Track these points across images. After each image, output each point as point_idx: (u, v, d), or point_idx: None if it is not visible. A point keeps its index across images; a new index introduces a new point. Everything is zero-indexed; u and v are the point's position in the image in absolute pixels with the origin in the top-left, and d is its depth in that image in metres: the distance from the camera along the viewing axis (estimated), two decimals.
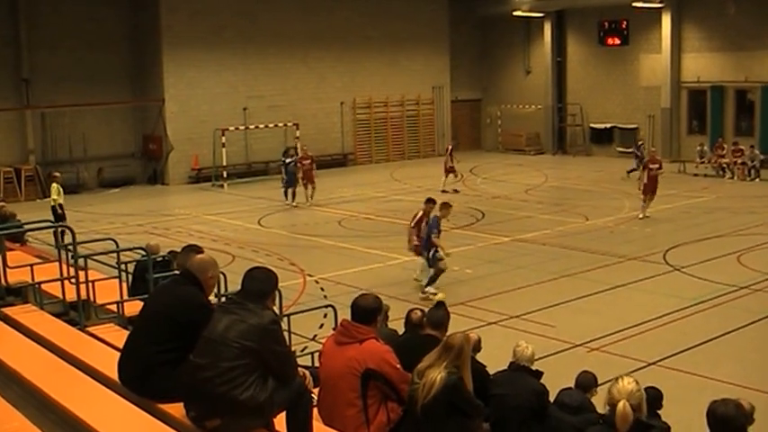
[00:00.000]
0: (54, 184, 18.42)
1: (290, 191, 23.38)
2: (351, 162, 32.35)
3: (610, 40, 32.45)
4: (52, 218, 17.31)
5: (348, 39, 31.60)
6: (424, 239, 14.10)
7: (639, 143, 27.42)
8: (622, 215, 20.99)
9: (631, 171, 25.85)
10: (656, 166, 20.38)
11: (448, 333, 6.12)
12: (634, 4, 29.75)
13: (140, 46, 28.33)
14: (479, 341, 7.07)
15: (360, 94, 32.45)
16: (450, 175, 24.89)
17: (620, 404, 4.49)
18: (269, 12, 29.57)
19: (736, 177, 26.51)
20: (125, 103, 28.27)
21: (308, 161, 23.47)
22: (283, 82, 30.33)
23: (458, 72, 35.32)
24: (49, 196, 18.86)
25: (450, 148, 25.83)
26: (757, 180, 25.98)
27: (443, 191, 23.91)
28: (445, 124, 35.11)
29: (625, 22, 31.78)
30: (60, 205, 18.18)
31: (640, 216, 20.21)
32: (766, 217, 20.21)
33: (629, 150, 31.84)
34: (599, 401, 6.70)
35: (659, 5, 29.76)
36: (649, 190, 20.22)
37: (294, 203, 23.19)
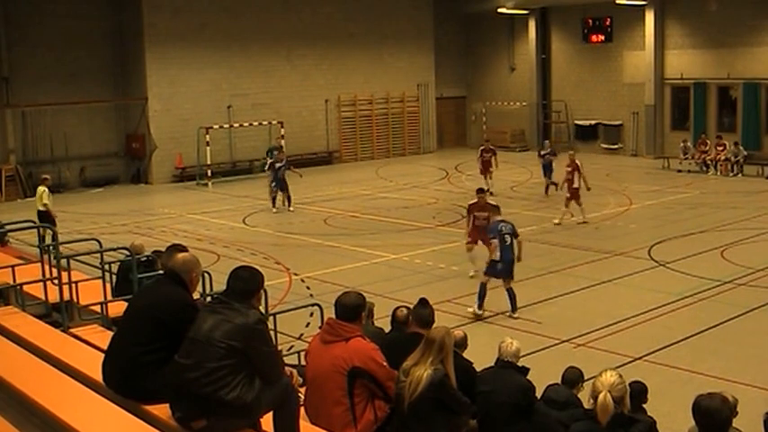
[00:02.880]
0: (40, 187, 18.01)
1: (281, 195, 21.99)
2: (336, 160, 32.29)
3: (594, 37, 32.56)
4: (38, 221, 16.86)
5: (332, 36, 31.54)
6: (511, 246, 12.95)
7: (547, 152, 23.59)
8: (607, 211, 21.07)
9: (554, 184, 22.80)
10: (569, 169, 19.16)
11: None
12: (617, 2, 29.85)
13: (123, 44, 28.15)
14: (465, 338, 7.06)
15: (344, 91, 32.40)
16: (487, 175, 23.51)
17: (601, 395, 4.51)
18: (252, 9, 29.47)
19: (719, 173, 26.69)
20: (107, 101, 28.07)
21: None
22: (267, 80, 30.23)
23: (442, 69, 35.34)
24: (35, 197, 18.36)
25: (482, 148, 24.09)
26: (740, 176, 26.18)
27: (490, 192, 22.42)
28: (430, 122, 35.12)
29: (609, 20, 31.90)
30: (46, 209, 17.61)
31: (555, 221, 19.26)
32: (749, 212, 20.37)
33: (615, 147, 32.05)
34: (585, 397, 6.72)
35: (642, 3, 29.89)
36: (573, 195, 19.16)
37: (291, 208, 22.00)
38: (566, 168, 19.53)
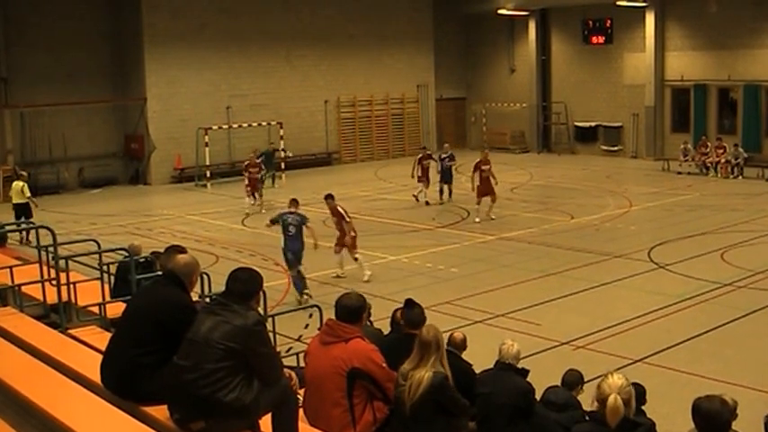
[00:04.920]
0: (18, 182, 18.82)
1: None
2: (335, 161, 32.28)
3: (594, 39, 32.55)
4: (15, 217, 17.75)
5: (331, 37, 31.52)
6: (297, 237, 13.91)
7: (447, 155, 22.79)
8: (607, 213, 21.05)
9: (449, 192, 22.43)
10: (488, 167, 19.69)
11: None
12: (618, 3, 29.83)
13: (121, 44, 28.12)
14: (465, 339, 7.04)
15: (344, 92, 32.38)
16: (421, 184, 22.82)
17: (611, 398, 4.47)
18: (251, 10, 29.44)
19: (719, 175, 26.63)
20: (106, 102, 28.03)
21: (256, 169, 22.43)
22: (266, 80, 30.21)
23: (442, 70, 35.33)
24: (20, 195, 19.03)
25: (419, 156, 23.36)
26: (740, 178, 26.12)
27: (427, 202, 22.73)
28: (430, 123, 35.10)
29: (609, 21, 31.88)
30: (25, 204, 18.53)
31: (477, 219, 19.74)
32: (749, 214, 20.34)
33: (615, 148, 32.00)
34: (585, 399, 6.70)
35: (643, 4, 29.87)
36: (483, 192, 19.72)
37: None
38: (482, 167, 19.76)
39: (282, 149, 27.94)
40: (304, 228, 13.93)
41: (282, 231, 13.84)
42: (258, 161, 22.92)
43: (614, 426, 4.47)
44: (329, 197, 15.14)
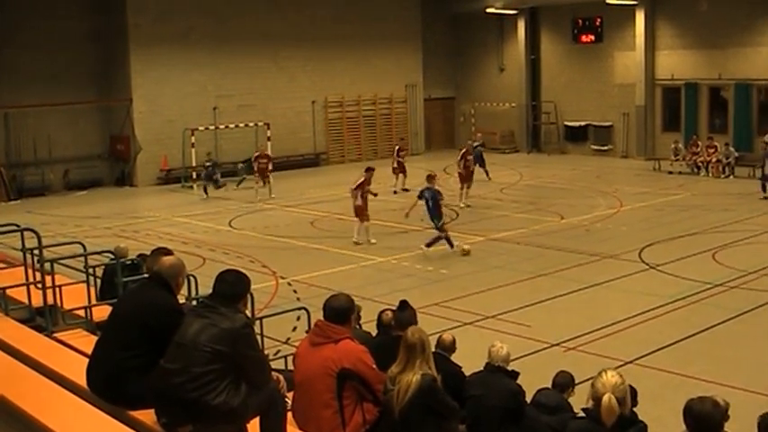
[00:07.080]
0: None
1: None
2: (323, 162, 32.20)
3: (584, 38, 32.57)
4: None
5: (318, 37, 31.39)
6: (433, 208, 16.49)
7: (479, 144, 26.75)
8: (597, 213, 21.05)
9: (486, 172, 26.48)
10: (471, 157, 22.83)
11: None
12: (608, 1, 29.81)
13: (107, 45, 27.92)
14: (454, 342, 6.99)
15: (331, 92, 32.30)
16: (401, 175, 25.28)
17: (606, 397, 4.43)
18: (238, 10, 29.32)
19: (710, 175, 26.66)
20: (91, 102, 27.84)
21: (265, 160, 24.88)
22: (253, 81, 30.09)
23: (431, 70, 35.30)
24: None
25: (397, 148, 26.05)
26: (731, 177, 26.14)
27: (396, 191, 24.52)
28: (418, 123, 35.07)
29: (599, 19, 31.91)
30: None
31: (461, 205, 21.89)
32: (741, 214, 20.37)
33: (606, 148, 32.05)
34: (576, 401, 6.65)
35: (633, 2, 29.91)
36: (465, 178, 22.23)
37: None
38: (468, 156, 22.52)
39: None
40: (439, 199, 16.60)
41: (422, 200, 16.74)
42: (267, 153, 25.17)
43: (610, 424, 4.42)
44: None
